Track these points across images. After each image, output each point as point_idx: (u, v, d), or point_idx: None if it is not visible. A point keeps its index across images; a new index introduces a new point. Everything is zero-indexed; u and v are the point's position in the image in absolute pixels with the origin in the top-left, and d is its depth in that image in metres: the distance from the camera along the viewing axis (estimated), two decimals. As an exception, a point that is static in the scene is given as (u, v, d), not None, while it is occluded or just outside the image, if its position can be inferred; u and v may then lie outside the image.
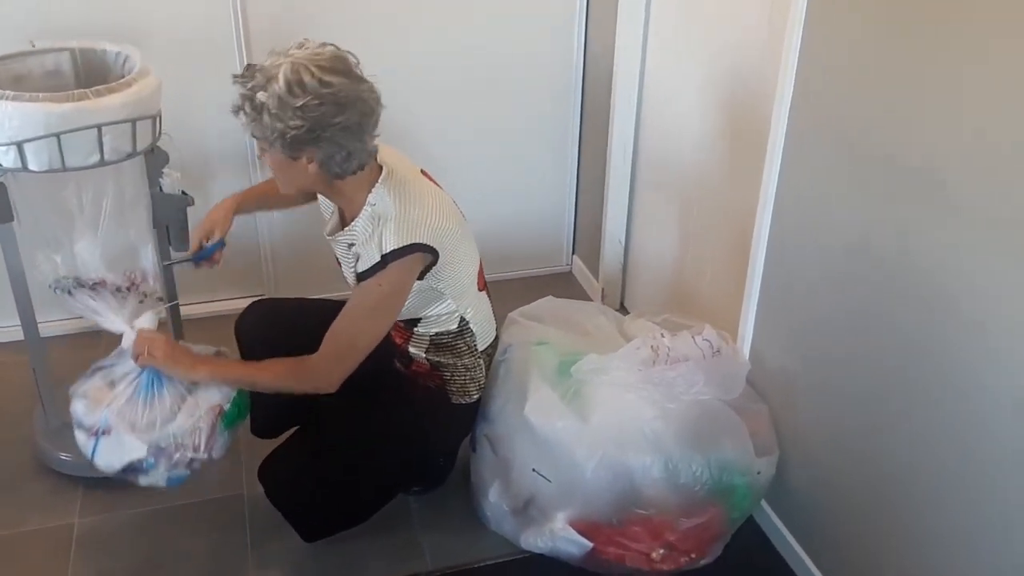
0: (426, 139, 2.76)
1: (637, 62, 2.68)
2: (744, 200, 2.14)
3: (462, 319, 1.95)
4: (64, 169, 1.88)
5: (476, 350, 2.01)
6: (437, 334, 1.96)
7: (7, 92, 1.82)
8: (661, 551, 1.93)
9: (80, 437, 1.90)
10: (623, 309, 3.01)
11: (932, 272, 1.52)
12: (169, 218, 2.15)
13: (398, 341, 2.00)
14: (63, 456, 2.23)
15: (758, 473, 1.95)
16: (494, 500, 2.07)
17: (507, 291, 2.76)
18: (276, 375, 1.86)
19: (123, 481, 1.91)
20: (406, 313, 1.90)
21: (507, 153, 3.05)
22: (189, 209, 2.15)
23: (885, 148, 1.60)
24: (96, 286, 1.97)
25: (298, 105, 1.60)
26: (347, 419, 1.92)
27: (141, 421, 1.85)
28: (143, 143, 1.99)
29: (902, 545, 1.69)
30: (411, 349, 1.98)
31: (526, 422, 1.94)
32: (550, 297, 2.28)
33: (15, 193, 1.97)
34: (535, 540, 1.99)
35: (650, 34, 2.63)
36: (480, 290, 2.01)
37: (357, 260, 1.85)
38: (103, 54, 2.12)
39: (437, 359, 1.98)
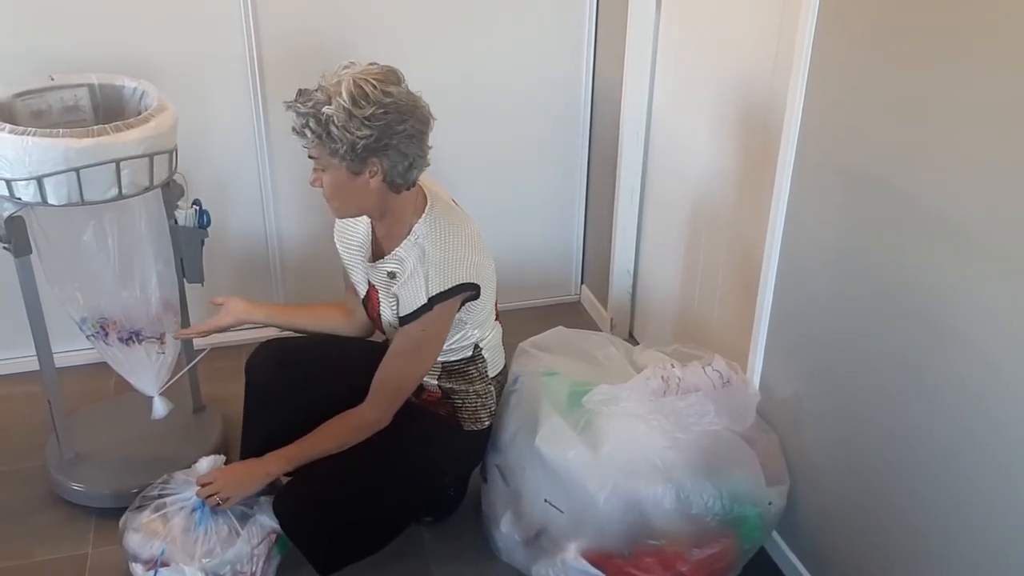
0: (435, 168, 2.75)
1: (645, 92, 2.71)
2: (752, 230, 2.16)
3: (476, 346, 1.97)
4: (83, 203, 1.91)
5: (487, 376, 2.03)
6: (450, 361, 1.98)
7: (29, 128, 1.85)
8: (673, 582, 1.93)
9: (137, 570, 1.91)
10: (632, 339, 3.02)
11: (940, 303, 1.53)
12: (184, 251, 2.18)
13: None
14: (76, 487, 2.24)
15: (769, 503, 1.96)
16: (506, 531, 2.07)
17: (516, 320, 2.76)
18: (339, 437, 1.91)
19: None
20: None
21: (516, 183, 3.08)
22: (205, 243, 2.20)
23: (891, 181, 1.62)
24: (124, 335, 2.02)
25: (365, 115, 1.65)
26: (360, 451, 1.93)
27: (199, 550, 1.87)
28: (160, 177, 2.02)
29: (914, 576, 1.70)
30: (424, 377, 2.00)
31: (537, 452, 1.95)
32: (560, 327, 2.29)
33: (33, 225, 2.00)
34: (547, 571, 1.99)
35: (658, 65, 2.66)
36: (495, 319, 2.04)
37: (397, 302, 1.87)
38: (120, 89, 2.16)
39: (449, 386, 2.00)
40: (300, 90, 1.72)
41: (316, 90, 1.69)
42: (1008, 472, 1.44)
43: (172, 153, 2.05)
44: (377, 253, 1.93)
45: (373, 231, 1.94)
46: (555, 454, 1.93)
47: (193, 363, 2.39)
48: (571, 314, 3.22)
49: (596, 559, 1.93)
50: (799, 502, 2.01)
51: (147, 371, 2.17)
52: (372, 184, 1.75)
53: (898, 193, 1.61)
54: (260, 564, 1.93)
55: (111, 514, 2.14)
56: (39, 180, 1.86)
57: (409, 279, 1.83)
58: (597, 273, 3.15)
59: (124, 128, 1.90)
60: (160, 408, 2.20)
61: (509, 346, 2.17)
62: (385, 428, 1.95)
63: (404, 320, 1.86)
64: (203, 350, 2.39)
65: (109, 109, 2.16)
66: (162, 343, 2.17)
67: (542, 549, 2.01)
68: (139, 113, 2.06)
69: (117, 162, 1.89)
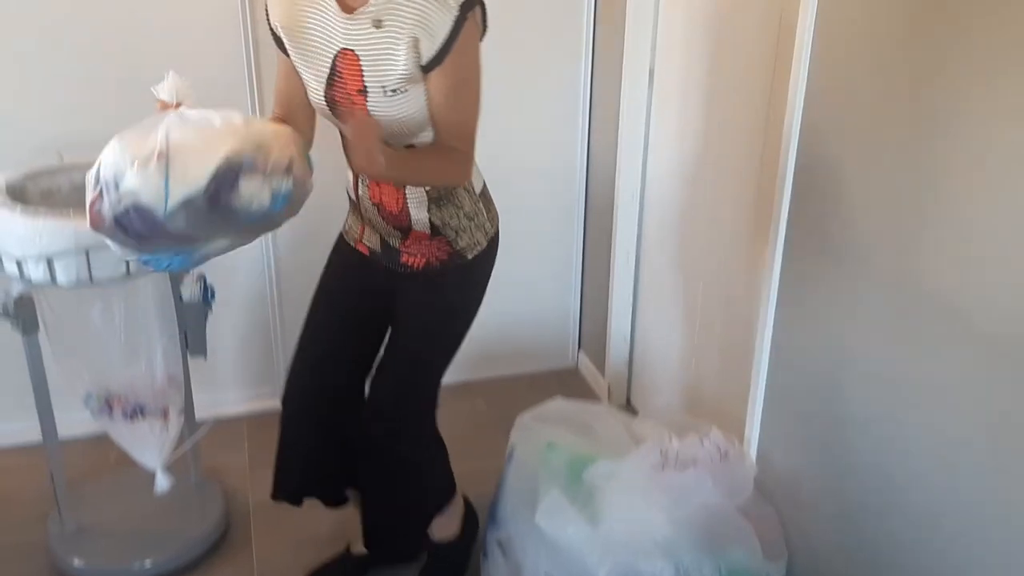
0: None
1: (639, 158, 2.78)
2: (748, 302, 2.21)
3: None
4: (91, 283, 1.94)
5: (474, 192, 1.94)
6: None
7: (40, 209, 1.90)
8: (673, 658, 1.93)
9: (131, 181, 1.52)
10: (630, 406, 3.05)
11: (931, 381, 1.57)
12: (188, 325, 2.21)
13: (392, 209, 1.88)
14: (77, 562, 2.24)
15: (768, 577, 1.97)
16: (506, 605, 2.08)
17: (514, 389, 2.81)
18: (432, 157, 1.80)
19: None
20: (401, 137, 1.77)
21: (511, 249, 3.06)
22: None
23: (880, 264, 1.66)
24: (128, 410, 2.04)
25: None
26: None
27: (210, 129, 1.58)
28: (166, 255, 2.06)
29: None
30: (411, 210, 1.86)
31: (537, 527, 1.96)
32: (559, 398, 2.32)
33: (41, 303, 2.03)
34: (547, 646, 1.99)
35: (652, 134, 2.74)
36: None
37: (418, 47, 1.65)
38: (129, 168, 2.21)
39: (440, 218, 1.88)
40: None
41: None
42: (1007, 552, 1.46)
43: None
44: (346, 8, 1.70)
45: None
46: (555, 529, 1.94)
47: (195, 437, 2.40)
48: (568, 382, 3.24)
49: (597, 634, 1.93)
50: None
51: (151, 446, 2.19)
52: None
53: (887, 275, 1.65)
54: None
55: (111, 590, 2.15)
56: (49, 260, 1.90)
57: (406, 20, 1.64)
58: (594, 340, 3.18)
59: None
60: (163, 482, 2.22)
61: (508, 419, 2.20)
62: (408, 333, 1.98)
63: (430, 65, 1.67)
64: (205, 422, 2.41)
65: (118, 188, 2.21)
66: (166, 418, 2.19)
67: (543, 624, 2.01)
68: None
69: (126, 242, 1.94)
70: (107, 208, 1.55)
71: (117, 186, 1.54)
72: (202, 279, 2.20)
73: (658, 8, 2.60)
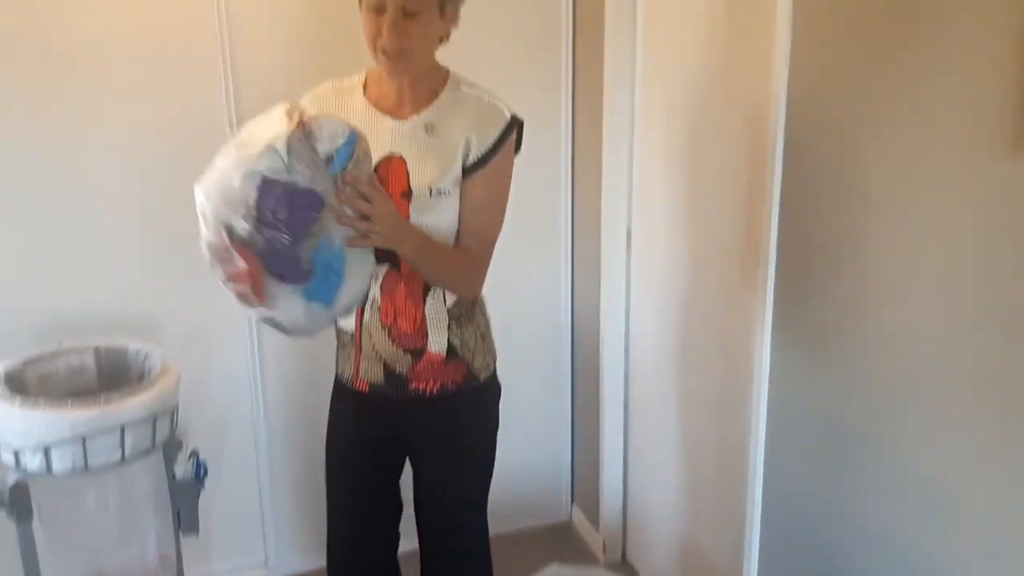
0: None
1: (622, 316, 2.86)
2: (736, 455, 2.23)
3: None
4: (86, 470, 1.96)
5: (486, 312, 1.98)
6: (455, 303, 1.89)
7: (39, 400, 1.94)
8: None
9: (249, 160, 1.58)
10: (625, 562, 3.02)
11: (917, 547, 1.59)
12: (180, 503, 2.22)
13: (406, 329, 1.87)
14: None
15: None
16: None
17: (507, 545, 2.75)
18: (455, 257, 1.84)
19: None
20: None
21: (502, 405, 3.12)
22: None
23: (870, 445, 1.71)
24: None
25: None
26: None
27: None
28: (161, 436, 2.08)
29: None
30: (429, 330, 1.87)
31: None
32: (555, 565, 2.31)
33: (35, 491, 2.04)
34: None
35: (633, 289, 2.83)
36: None
37: (439, 159, 1.77)
38: (125, 351, 2.26)
39: (459, 337, 1.89)
40: None
41: None
42: None
43: (174, 412, 2.13)
44: (399, 114, 1.82)
45: (399, 87, 1.81)
46: None
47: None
48: (562, 537, 3.21)
49: None
50: None
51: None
52: (442, 30, 1.75)
53: (869, 441, 1.69)
54: None
55: None
56: (46, 449, 1.92)
57: (458, 123, 1.77)
58: (587, 492, 3.18)
59: (130, 394, 1.98)
60: None
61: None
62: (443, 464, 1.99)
63: (473, 167, 1.78)
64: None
65: (114, 370, 2.25)
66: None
67: None
68: (142, 373, 2.16)
69: (122, 428, 1.97)
70: (243, 226, 1.58)
71: (239, 197, 1.57)
72: (195, 455, 2.22)
73: (632, 170, 2.74)
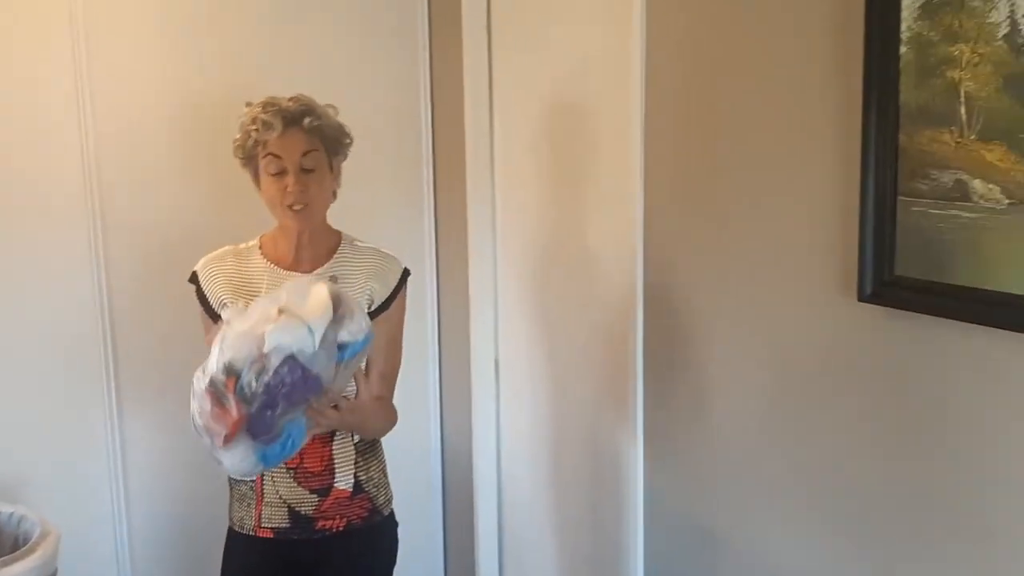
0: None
1: (493, 443, 2.96)
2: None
3: None
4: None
5: (381, 443, 2.09)
6: (361, 438, 2.00)
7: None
8: None
9: (275, 336, 1.65)
10: None
11: None
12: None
13: (313, 468, 1.93)
14: None
15: None
16: None
17: None
18: (376, 409, 1.97)
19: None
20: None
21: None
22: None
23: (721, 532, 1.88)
24: None
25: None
26: None
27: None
28: (41, 600, 2.00)
29: None
30: (336, 467, 1.95)
31: None
32: None
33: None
34: None
35: (503, 418, 2.94)
36: None
37: (372, 296, 1.95)
38: (-4, 515, 2.18)
39: (365, 471, 2.01)
40: (281, 99, 1.91)
41: (290, 100, 1.90)
42: None
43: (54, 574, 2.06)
44: (300, 270, 1.96)
45: (297, 245, 1.95)
46: None
47: None
48: None
49: None
50: None
51: None
52: (332, 185, 1.97)
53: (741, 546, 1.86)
54: None
55: None
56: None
57: (360, 273, 1.96)
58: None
59: (11, 562, 1.91)
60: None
61: None
62: None
63: (376, 312, 1.94)
64: None
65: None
66: None
67: None
68: (17, 537, 2.08)
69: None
70: (251, 383, 1.63)
71: (260, 357, 1.63)
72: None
73: (497, 301, 2.90)
